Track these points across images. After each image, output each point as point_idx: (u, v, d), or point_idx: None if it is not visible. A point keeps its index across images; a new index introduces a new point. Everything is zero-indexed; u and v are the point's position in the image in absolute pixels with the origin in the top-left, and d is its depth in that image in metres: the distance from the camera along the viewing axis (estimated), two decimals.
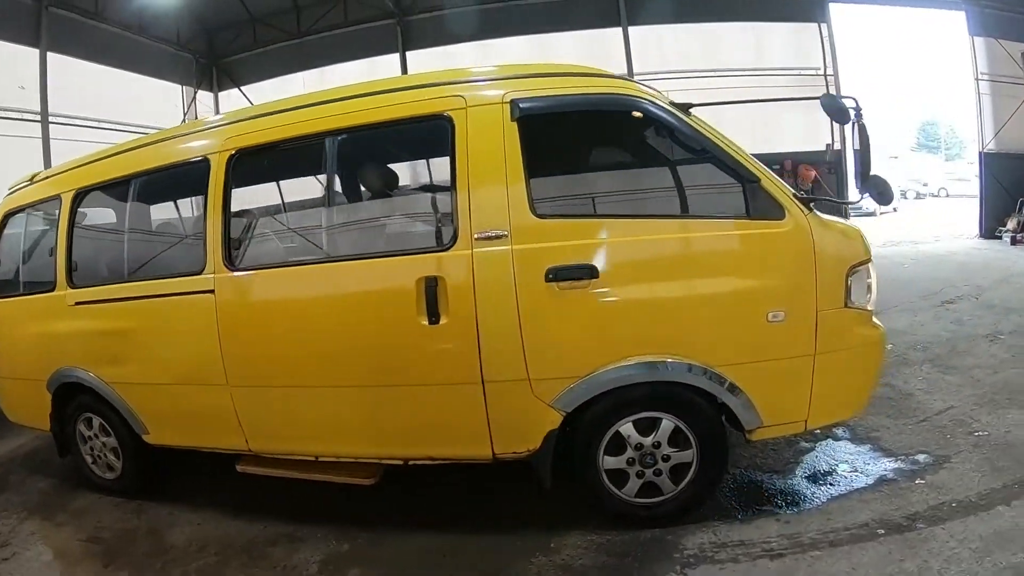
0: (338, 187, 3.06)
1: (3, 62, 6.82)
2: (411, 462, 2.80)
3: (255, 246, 3.06)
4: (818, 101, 2.60)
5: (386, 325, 2.59)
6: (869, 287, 2.61)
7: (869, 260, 2.60)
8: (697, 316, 2.49)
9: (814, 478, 2.87)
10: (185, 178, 3.10)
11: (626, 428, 2.55)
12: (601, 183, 2.76)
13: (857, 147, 2.55)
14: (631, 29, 9.89)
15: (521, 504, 2.82)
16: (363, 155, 3.04)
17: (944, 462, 2.83)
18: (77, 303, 3.33)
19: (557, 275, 2.41)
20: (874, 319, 2.67)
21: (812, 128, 10.30)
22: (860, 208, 18.72)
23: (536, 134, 2.59)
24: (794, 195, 2.51)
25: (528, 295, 2.43)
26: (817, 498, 2.70)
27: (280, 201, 3.60)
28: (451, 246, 2.49)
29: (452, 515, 2.89)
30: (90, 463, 3.60)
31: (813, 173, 10.25)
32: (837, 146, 10.32)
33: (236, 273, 2.84)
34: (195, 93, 10.64)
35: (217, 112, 11.10)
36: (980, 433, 3.09)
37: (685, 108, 2.59)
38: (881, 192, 2.58)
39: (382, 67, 10.11)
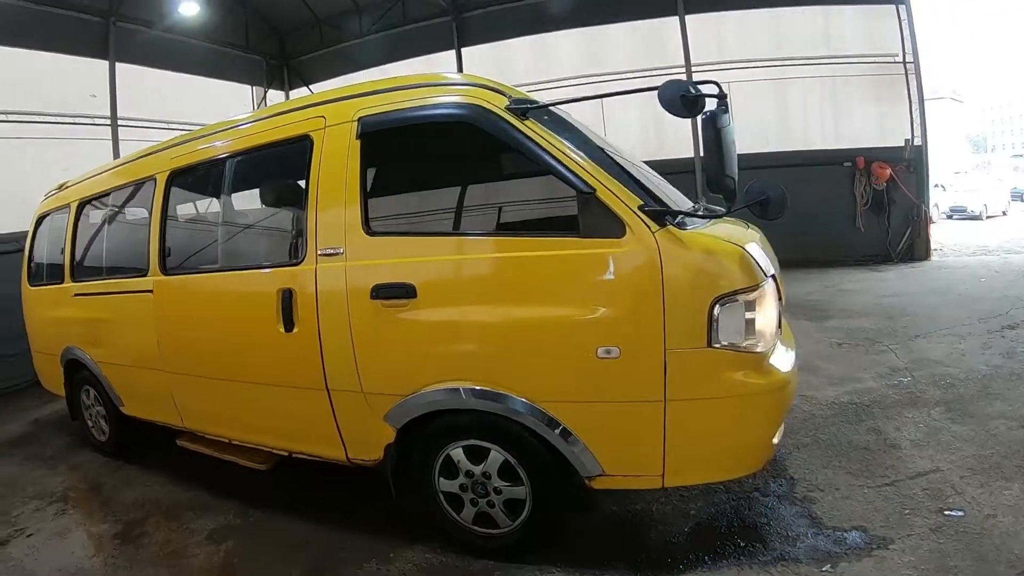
0: (242, 202, 2.97)
1: (77, 74, 7.44)
2: (293, 455, 2.87)
3: (180, 254, 3.17)
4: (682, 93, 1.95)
5: (256, 329, 2.64)
6: (751, 323, 1.99)
7: (751, 288, 1.99)
8: (515, 345, 2.12)
9: (701, 540, 2.33)
10: (146, 191, 3.30)
11: (456, 453, 2.31)
12: (442, 199, 2.46)
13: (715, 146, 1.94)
14: (688, 18, 8.86)
15: (397, 511, 2.69)
16: (256, 174, 2.99)
17: (879, 547, 2.18)
18: (76, 294, 3.77)
19: (379, 293, 2.27)
20: (770, 362, 2.06)
21: (889, 122, 8.78)
22: (964, 211, 16.08)
23: (379, 151, 2.44)
24: (642, 207, 1.99)
25: (357, 311, 2.31)
26: (684, 566, 2.18)
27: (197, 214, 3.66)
28: (302, 261, 2.49)
29: (338, 511, 2.91)
30: (90, 427, 4.07)
31: (888, 171, 8.71)
32: (917, 141, 8.67)
33: (166, 277, 3.08)
34: (265, 93, 10.96)
35: None
36: (952, 512, 2.36)
37: (521, 113, 2.15)
38: (763, 204, 2.00)
39: (439, 64, 9.92)
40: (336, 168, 2.42)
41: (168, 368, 3.15)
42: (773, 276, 2.18)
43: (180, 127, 7.97)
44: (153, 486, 3.45)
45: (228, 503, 3.12)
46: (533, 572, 2.25)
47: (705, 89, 1.91)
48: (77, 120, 7.33)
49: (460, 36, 9.67)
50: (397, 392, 2.32)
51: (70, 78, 7.34)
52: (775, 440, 2.14)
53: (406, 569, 2.39)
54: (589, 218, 2.02)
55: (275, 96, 11.14)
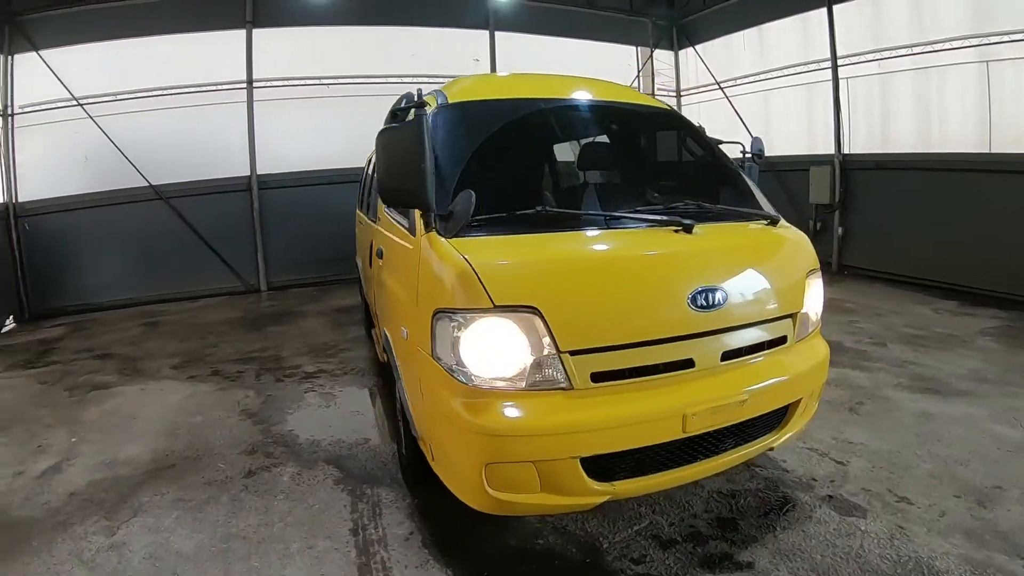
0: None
1: (464, 43, 10.07)
2: None
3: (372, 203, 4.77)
4: None
5: (373, 259, 3.79)
6: (454, 345, 2.05)
7: (462, 311, 2.01)
8: (392, 308, 2.87)
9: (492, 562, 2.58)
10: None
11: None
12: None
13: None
14: None
15: None
16: None
17: None
18: (359, 222, 5.86)
19: (377, 252, 3.36)
20: (492, 403, 2.03)
21: None
22: None
23: None
24: (423, 213, 2.32)
25: (376, 262, 3.45)
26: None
27: None
28: (378, 222, 3.63)
29: None
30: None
31: None
32: None
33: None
34: (651, 53, 11.85)
35: (677, 71, 12.23)
36: None
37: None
38: (443, 219, 2.23)
39: (813, 21, 8.90)
40: None
41: (366, 276, 4.92)
42: (534, 309, 2.02)
43: None
44: (360, 353, 5.72)
45: (376, 377, 5.04)
46: (403, 498, 3.10)
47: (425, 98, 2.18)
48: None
49: None
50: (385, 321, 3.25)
51: (460, 46, 10.07)
52: (499, 495, 2.08)
53: (373, 449, 3.68)
54: (410, 216, 2.45)
55: (661, 56, 12.22)
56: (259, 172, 9.10)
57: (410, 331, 2.39)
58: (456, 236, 2.20)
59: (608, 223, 2.44)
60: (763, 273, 2.49)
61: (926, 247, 7.55)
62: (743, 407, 2.29)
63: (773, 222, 2.78)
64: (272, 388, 4.88)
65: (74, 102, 8.37)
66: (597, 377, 2.09)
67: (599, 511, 2.80)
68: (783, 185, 9.79)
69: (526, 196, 2.45)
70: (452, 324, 2.06)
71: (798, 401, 2.56)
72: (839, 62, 8.51)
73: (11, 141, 8.27)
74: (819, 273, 2.77)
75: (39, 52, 8.26)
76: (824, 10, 8.54)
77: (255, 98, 8.99)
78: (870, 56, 8.14)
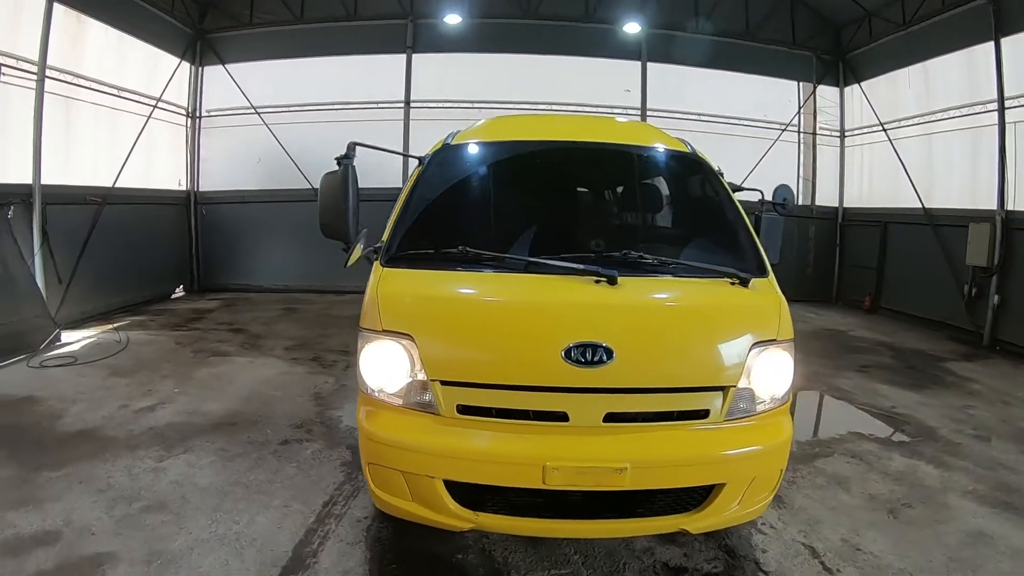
0: None
1: (616, 73, 10.56)
2: None
3: None
4: None
5: None
6: (359, 358, 2.53)
7: (364, 329, 2.46)
8: None
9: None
10: None
11: None
12: None
13: None
14: None
15: None
16: None
17: None
18: None
19: None
20: (375, 413, 2.49)
21: None
22: None
23: None
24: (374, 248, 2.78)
25: None
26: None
27: None
28: None
29: None
30: None
31: None
32: None
33: None
34: (814, 89, 11.21)
35: (842, 109, 11.45)
36: None
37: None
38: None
39: (980, 58, 7.95)
40: None
41: None
42: (410, 337, 2.31)
43: (710, 119, 10.50)
44: None
45: None
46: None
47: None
48: (614, 110, 10.39)
49: (998, 23, 7.59)
50: None
51: (611, 76, 10.64)
52: (381, 494, 2.45)
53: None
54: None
55: (824, 91, 11.58)
56: None
57: None
58: (391, 267, 2.59)
59: (528, 267, 2.50)
60: (680, 337, 2.39)
61: None
62: (622, 476, 2.22)
63: (743, 282, 2.54)
64: (351, 378, 5.53)
65: (251, 109, 10.27)
66: (463, 409, 2.31)
67: (535, 545, 2.93)
68: (941, 242, 8.85)
69: (472, 234, 2.61)
70: (361, 340, 2.48)
71: (723, 485, 2.37)
72: (1006, 103, 7.55)
73: (198, 139, 10.44)
74: (785, 345, 2.49)
75: (225, 65, 10.31)
76: (991, 44, 7.62)
77: (411, 117, 10.30)
78: None
